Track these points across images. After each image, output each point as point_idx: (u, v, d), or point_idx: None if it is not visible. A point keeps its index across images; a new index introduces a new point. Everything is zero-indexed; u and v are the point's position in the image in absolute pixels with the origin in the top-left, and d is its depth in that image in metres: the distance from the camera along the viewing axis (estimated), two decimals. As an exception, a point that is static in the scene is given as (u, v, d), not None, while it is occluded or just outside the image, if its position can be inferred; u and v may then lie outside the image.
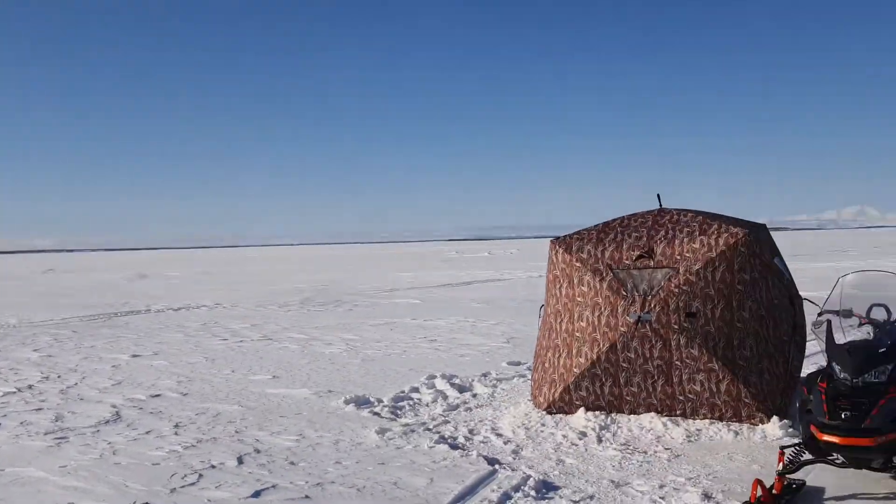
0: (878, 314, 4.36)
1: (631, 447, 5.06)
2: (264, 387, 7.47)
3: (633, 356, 5.41)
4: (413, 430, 5.61)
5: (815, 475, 4.36)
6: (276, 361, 9.06)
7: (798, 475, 4.30)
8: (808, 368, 5.70)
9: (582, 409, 5.61)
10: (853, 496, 4.11)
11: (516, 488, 4.32)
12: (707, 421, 5.38)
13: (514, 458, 4.90)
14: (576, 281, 5.75)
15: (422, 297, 17.71)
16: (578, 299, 5.72)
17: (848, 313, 4.35)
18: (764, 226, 6.06)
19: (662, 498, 4.13)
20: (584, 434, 5.29)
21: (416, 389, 6.99)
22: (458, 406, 6.38)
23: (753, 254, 5.43)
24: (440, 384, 7.10)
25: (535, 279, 23.06)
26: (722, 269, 5.34)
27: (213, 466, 4.87)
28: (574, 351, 5.66)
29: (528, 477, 4.49)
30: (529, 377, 7.01)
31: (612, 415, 5.56)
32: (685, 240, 5.52)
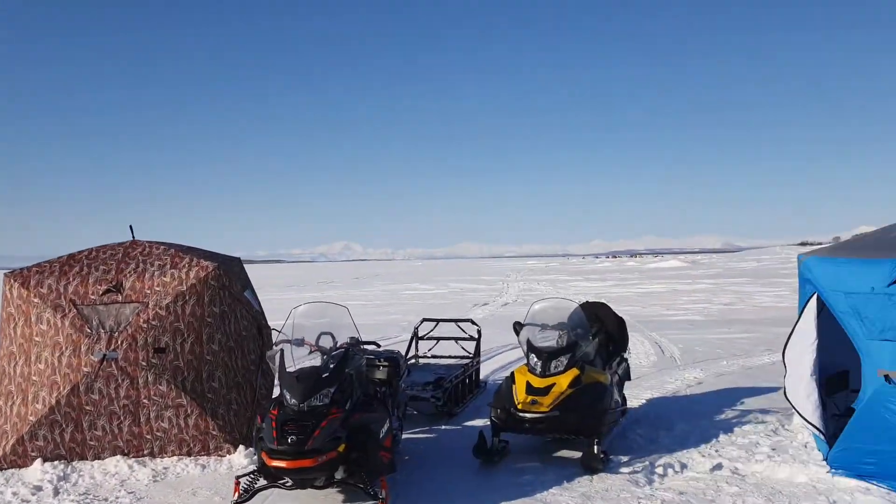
0: (326, 342, 5.98)
1: (91, 495, 5.66)
2: None
3: (97, 398, 5.98)
4: None
5: (273, 500, 5.72)
6: None
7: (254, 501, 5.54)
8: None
9: (39, 461, 5.87)
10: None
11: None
12: (176, 458, 6.33)
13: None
14: (33, 319, 6.02)
15: None
16: (36, 339, 6.00)
17: (300, 342, 5.85)
18: (238, 259, 7.40)
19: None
20: (39, 488, 5.63)
21: None
22: None
23: (223, 286, 6.65)
24: None
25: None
26: (192, 303, 6.38)
27: None
28: (30, 397, 5.91)
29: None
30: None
31: (74, 463, 6.00)
32: (156, 273, 6.36)
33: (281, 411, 5.30)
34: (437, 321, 10.93)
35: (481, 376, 10.62)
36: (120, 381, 6.07)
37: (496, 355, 13.42)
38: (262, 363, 7.19)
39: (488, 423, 7.25)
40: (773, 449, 6.81)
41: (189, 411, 6.31)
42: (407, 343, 10.59)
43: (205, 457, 6.46)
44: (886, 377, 5.63)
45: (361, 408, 5.63)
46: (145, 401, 6.18)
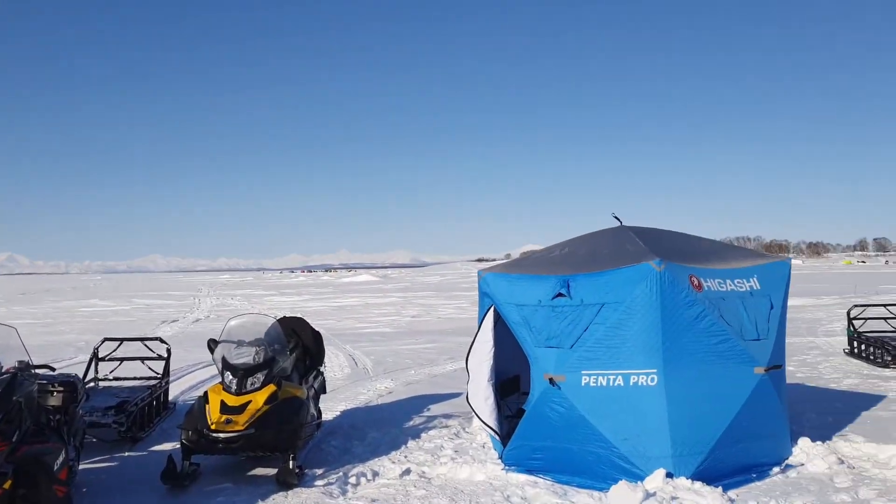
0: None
1: None
2: None
3: None
4: None
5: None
6: None
7: None
8: None
9: None
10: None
11: None
12: None
13: None
14: None
15: None
16: None
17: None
18: None
19: None
20: None
21: None
22: None
23: None
24: None
25: None
26: None
27: None
28: None
29: None
30: None
31: None
32: None
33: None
34: (121, 340, 10.14)
35: (171, 397, 10.04)
36: None
37: (187, 374, 12.78)
38: None
39: (178, 446, 6.87)
40: (456, 451, 7.31)
41: None
42: (85, 365, 9.66)
43: None
44: (550, 380, 6.35)
45: (32, 439, 5.04)
46: None
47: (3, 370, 5.27)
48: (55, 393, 6.24)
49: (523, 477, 6.39)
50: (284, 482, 6.33)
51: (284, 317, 8.40)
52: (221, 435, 6.28)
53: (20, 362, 5.37)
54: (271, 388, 6.66)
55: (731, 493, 5.83)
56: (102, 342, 9.97)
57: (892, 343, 12.49)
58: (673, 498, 5.64)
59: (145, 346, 10.37)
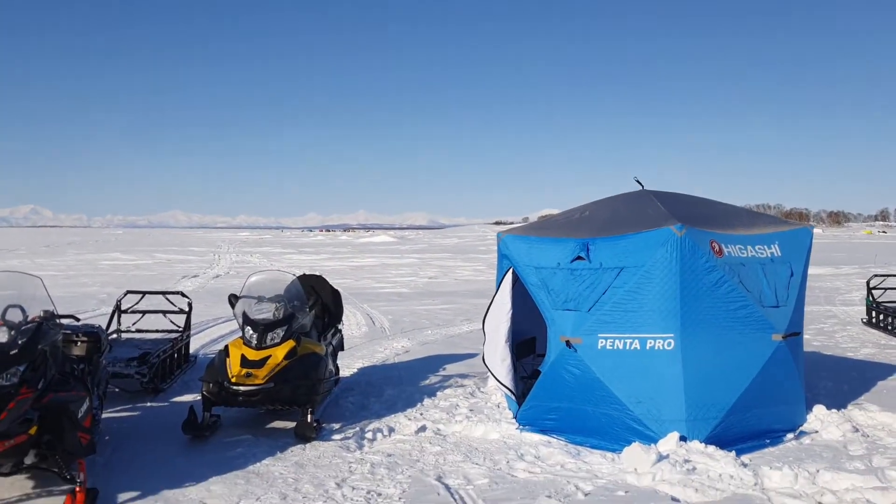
0: (14, 315, 5.33)
1: None
2: None
3: None
4: None
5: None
6: None
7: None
8: None
9: None
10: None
11: None
12: None
13: None
14: None
15: None
16: None
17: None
18: None
19: None
20: None
21: None
22: None
23: None
24: None
25: None
26: None
27: None
28: None
29: None
30: None
31: None
32: None
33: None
34: (143, 293, 10.26)
35: (192, 350, 10.18)
36: None
37: (207, 329, 12.95)
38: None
39: (199, 398, 6.98)
40: (471, 410, 7.37)
41: None
42: (108, 317, 9.80)
43: None
44: (567, 342, 6.37)
45: (57, 387, 5.12)
46: None
47: (29, 319, 5.32)
48: (79, 343, 6.34)
49: (537, 436, 6.44)
50: (302, 436, 6.42)
51: (304, 274, 8.45)
52: (241, 388, 6.36)
53: (45, 312, 5.44)
54: (291, 343, 6.72)
55: (745, 458, 5.85)
56: (125, 295, 10.09)
57: (912, 314, 12.38)
58: (686, 461, 5.67)
59: (167, 299, 10.48)
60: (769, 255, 6.60)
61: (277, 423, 7.01)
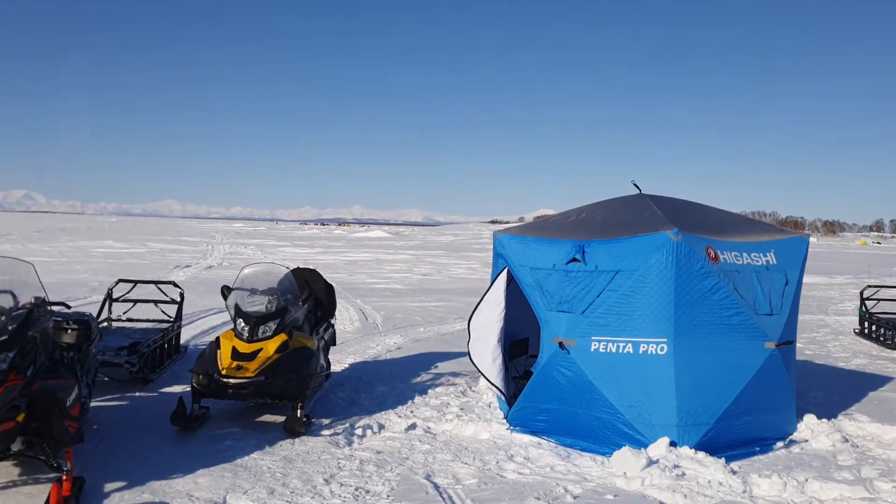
0: (5, 301, 5.30)
1: None
2: None
3: None
4: None
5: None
6: None
7: None
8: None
9: None
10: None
11: None
12: None
13: None
14: None
15: None
16: None
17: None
18: None
19: None
20: None
21: None
22: None
23: None
24: None
25: None
26: None
27: None
28: None
29: None
30: None
31: None
32: None
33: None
34: (135, 282, 10.23)
35: (182, 341, 10.16)
36: None
37: (198, 320, 12.92)
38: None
39: (188, 389, 6.96)
40: (462, 409, 7.37)
41: None
42: (99, 305, 9.77)
43: None
44: (560, 344, 6.37)
45: (46, 374, 5.10)
46: None
47: (20, 305, 5.29)
48: (70, 330, 6.31)
49: (528, 437, 6.44)
50: (292, 430, 6.41)
51: (298, 268, 8.44)
52: (232, 380, 6.35)
53: (36, 298, 5.41)
54: (282, 337, 6.71)
55: (734, 465, 5.87)
56: (117, 283, 10.06)
57: (904, 325, 12.42)
58: (675, 466, 5.68)
59: (159, 289, 10.46)
60: (764, 263, 6.61)
61: (267, 417, 7.00)
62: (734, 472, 5.68)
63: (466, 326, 7.44)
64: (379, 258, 38.26)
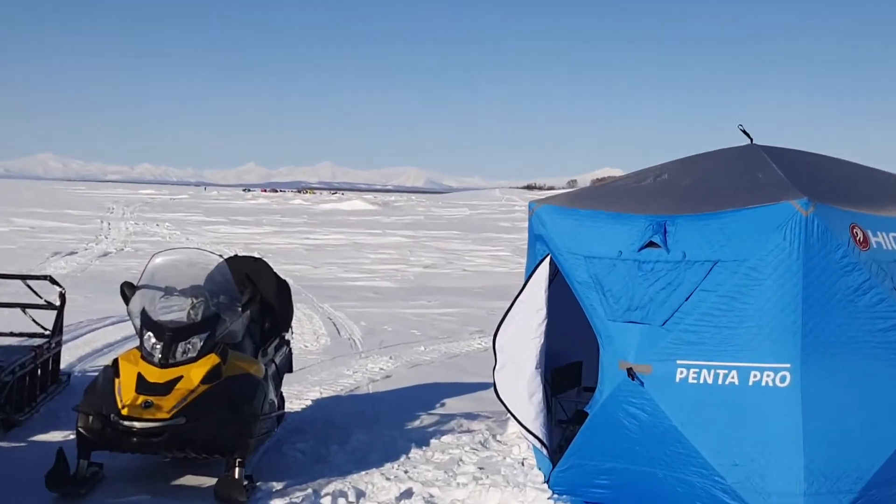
0: None
1: None
2: None
3: None
4: None
5: None
6: None
7: None
8: None
9: None
10: None
11: None
12: None
13: None
14: None
15: None
16: None
17: None
18: None
19: None
20: None
21: None
22: None
23: None
24: None
25: None
26: None
27: None
28: None
29: None
30: None
31: None
32: None
33: None
34: (-8, 277, 10.29)
35: (63, 365, 10.19)
36: None
37: (87, 333, 13.02)
38: None
39: (72, 437, 6.98)
40: (481, 468, 7.39)
41: None
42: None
43: None
44: (629, 371, 6.35)
45: None
46: None
47: None
48: None
49: (580, 511, 6.45)
50: (227, 498, 6.44)
51: (236, 256, 8.45)
52: (137, 424, 6.37)
53: None
54: (213, 359, 6.73)
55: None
56: (-37, 280, 10.10)
57: None
58: (802, 556, 5.67)
59: (28, 286, 10.46)
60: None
61: (190, 479, 7.05)
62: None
63: (491, 345, 7.44)
64: (358, 241, 38.38)
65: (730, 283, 6.20)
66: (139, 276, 7.26)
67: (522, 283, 7.42)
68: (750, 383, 6.13)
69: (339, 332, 14.32)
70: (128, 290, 7.17)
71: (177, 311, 6.96)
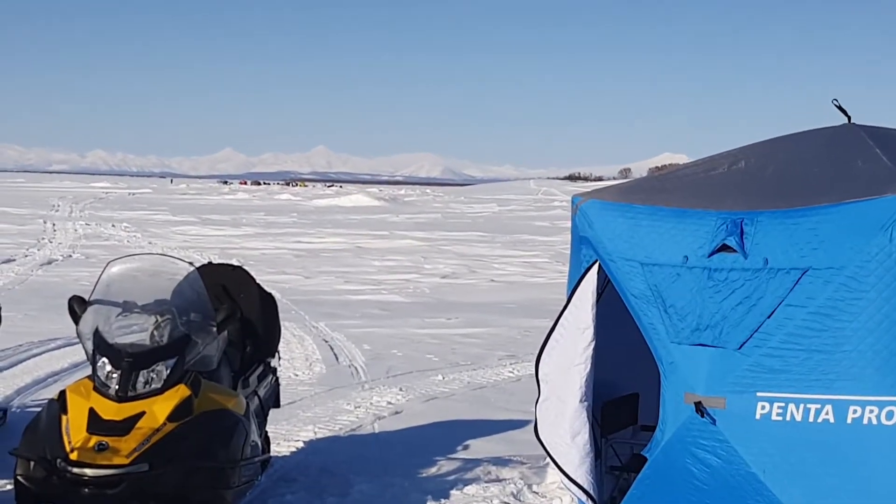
0: None
1: None
2: None
3: None
4: None
5: None
6: None
7: None
8: None
9: None
10: None
11: None
12: None
13: None
14: None
15: None
16: None
17: None
18: None
19: None
20: None
21: None
22: None
23: None
24: None
25: None
26: None
27: None
28: None
29: None
30: None
31: None
32: None
33: None
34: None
35: (-2, 398, 10.26)
36: None
37: (28, 360, 13.06)
38: None
39: (10, 487, 7.02)
40: (514, 527, 7.39)
41: None
42: None
43: None
44: (698, 406, 6.33)
45: None
46: None
47: None
48: None
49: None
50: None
51: (210, 264, 8.48)
52: (89, 472, 6.38)
53: None
54: (182, 391, 6.74)
55: None
56: None
57: None
58: None
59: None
60: None
61: (153, 539, 7.05)
62: None
63: (528, 374, 7.43)
64: (361, 245, 38.45)
65: (823, 297, 6.17)
66: (91, 289, 7.28)
67: (566, 296, 7.41)
68: (848, 421, 6.11)
69: (336, 358, 14.34)
70: (77, 307, 7.18)
71: (137, 331, 6.97)
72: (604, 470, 7.54)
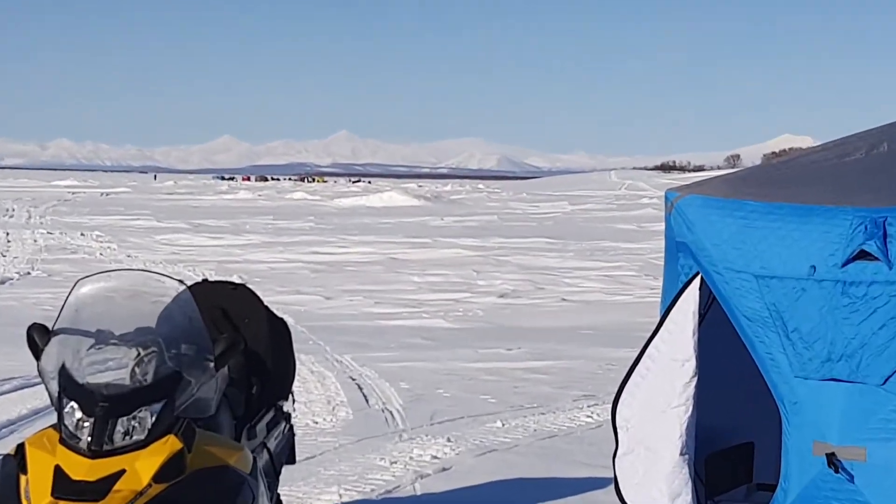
0: None
1: None
2: None
3: None
4: None
5: None
6: None
7: None
8: None
9: None
10: None
11: None
12: None
13: None
14: None
15: None
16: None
17: None
18: None
19: None
20: None
21: None
22: None
23: None
24: None
25: None
26: None
27: None
28: None
29: None
30: None
31: None
32: None
33: None
34: None
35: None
36: None
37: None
38: None
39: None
40: None
41: None
42: None
43: None
44: (831, 458, 6.30)
45: None
46: None
47: None
48: None
49: None
50: None
51: (205, 282, 8.50)
52: None
53: None
54: (171, 444, 6.75)
55: None
56: None
57: None
58: None
59: None
60: None
61: None
62: None
63: (610, 419, 7.41)
64: (395, 256, 38.56)
65: None
66: (56, 316, 7.32)
67: (659, 318, 7.40)
68: None
69: (366, 400, 14.37)
70: (38, 337, 7.20)
71: (115, 368, 6.98)
72: (711, 540, 7.52)
